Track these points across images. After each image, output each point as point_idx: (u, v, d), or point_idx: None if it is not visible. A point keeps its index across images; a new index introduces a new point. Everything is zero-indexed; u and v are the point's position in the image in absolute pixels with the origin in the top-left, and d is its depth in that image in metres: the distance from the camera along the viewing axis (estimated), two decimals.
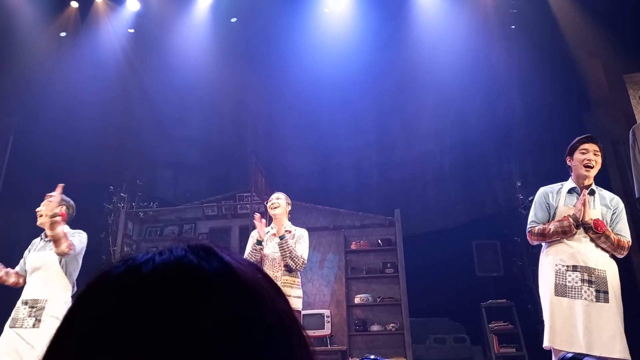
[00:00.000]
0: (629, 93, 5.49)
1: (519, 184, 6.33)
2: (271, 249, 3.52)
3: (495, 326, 5.75)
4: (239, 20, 6.98)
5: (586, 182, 2.81)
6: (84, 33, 6.94)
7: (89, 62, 6.88)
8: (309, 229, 6.39)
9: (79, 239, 3.14)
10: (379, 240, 6.29)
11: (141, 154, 7.44)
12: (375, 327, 5.89)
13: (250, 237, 3.65)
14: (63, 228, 3.03)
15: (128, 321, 0.36)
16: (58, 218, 2.95)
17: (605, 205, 2.79)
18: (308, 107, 7.17)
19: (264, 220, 3.59)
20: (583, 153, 2.80)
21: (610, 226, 2.74)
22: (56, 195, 3.05)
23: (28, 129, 6.61)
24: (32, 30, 6.49)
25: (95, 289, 0.41)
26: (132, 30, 7.11)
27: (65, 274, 3.11)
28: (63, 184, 3.13)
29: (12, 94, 6.50)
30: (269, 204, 3.64)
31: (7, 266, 3.26)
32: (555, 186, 2.92)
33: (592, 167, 2.77)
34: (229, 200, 6.83)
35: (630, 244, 2.75)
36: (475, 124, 6.77)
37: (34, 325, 2.93)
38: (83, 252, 3.23)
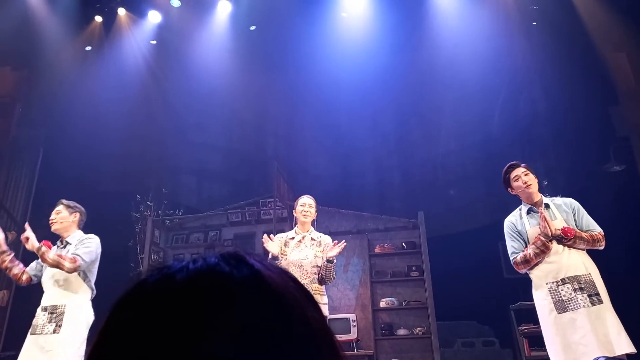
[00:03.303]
0: None
1: (545, 182, 6.19)
2: (297, 255, 3.30)
3: (526, 329, 5.60)
4: (258, 28, 7.06)
5: (536, 199, 2.99)
6: (108, 46, 7.13)
7: (114, 74, 7.06)
8: (332, 234, 6.47)
9: (87, 250, 3.13)
10: (403, 243, 6.24)
11: (165, 162, 7.58)
12: (401, 331, 5.84)
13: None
14: (54, 253, 3.09)
15: (160, 327, 0.37)
16: (42, 250, 3.06)
17: (564, 211, 2.94)
18: (328, 110, 7.18)
19: (272, 236, 3.37)
20: (517, 180, 3.01)
21: (577, 226, 2.86)
22: (27, 234, 3.13)
23: (57, 140, 6.81)
24: (58, 45, 6.70)
25: (131, 296, 0.42)
26: (154, 42, 7.27)
27: (83, 279, 3.14)
28: (28, 223, 3.26)
29: (41, 108, 6.72)
30: (299, 209, 3.42)
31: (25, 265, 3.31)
32: (515, 213, 3.08)
33: (531, 185, 2.97)
34: (252, 206, 6.89)
35: (603, 234, 2.82)
36: (497, 122, 6.67)
37: (54, 331, 2.95)
38: (99, 256, 3.23)
